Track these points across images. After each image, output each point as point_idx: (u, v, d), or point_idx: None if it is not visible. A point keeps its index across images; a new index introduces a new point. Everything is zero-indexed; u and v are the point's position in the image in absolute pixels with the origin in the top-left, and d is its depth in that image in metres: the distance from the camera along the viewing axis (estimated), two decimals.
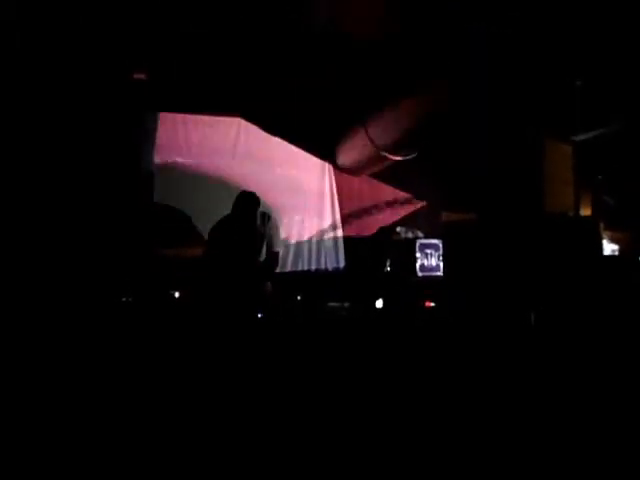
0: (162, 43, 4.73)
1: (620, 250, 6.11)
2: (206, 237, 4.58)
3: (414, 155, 5.37)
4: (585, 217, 6.16)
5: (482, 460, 2.08)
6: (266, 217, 4.40)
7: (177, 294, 4.39)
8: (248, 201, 4.25)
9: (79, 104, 4.56)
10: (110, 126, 4.67)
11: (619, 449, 2.13)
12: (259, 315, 4.08)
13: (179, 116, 5.52)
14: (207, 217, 5.22)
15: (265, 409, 2.62)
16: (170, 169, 5.35)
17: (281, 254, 4.66)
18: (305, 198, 6.08)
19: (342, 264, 6.14)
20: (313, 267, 5.97)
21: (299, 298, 5.00)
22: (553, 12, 3.30)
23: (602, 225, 5.77)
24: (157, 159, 5.29)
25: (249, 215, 4.27)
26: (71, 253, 4.12)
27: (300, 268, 5.89)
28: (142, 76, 5.09)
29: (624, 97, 4.99)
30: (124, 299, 4.15)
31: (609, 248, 6.06)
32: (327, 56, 4.52)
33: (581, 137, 6.01)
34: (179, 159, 5.47)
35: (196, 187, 5.46)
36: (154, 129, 5.37)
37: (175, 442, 2.21)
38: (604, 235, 5.87)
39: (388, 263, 5.58)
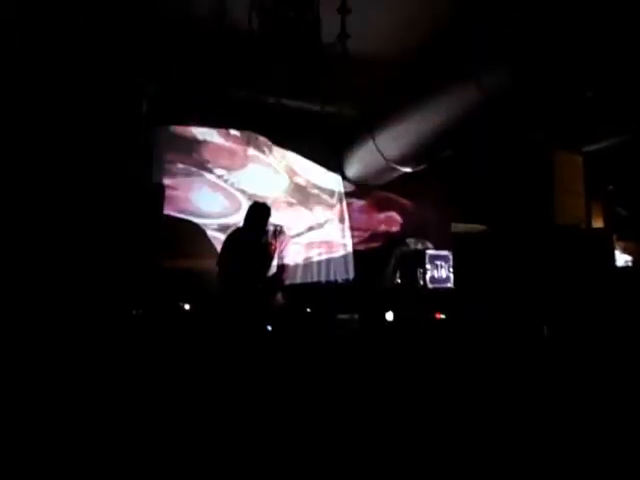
0: (173, 57, 4.80)
1: (634, 261, 6.04)
2: (217, 249, 4.60)
3: (424, 166, 5.37)
4: (597, 229, 6.11)
5: (497, 472, 2.05)
6: (278, 230, 4.41)
7: (187, 306, 4.39)
8: (259, 212, 4.27)
9: (89, 119, 4.60)
10: (120, 140, 4.71)
11: (631, 461, 2.09)
12: (268, 327, 4.06)
13: (189, 130, 5.57)
14: (218, 230, 5.27)
15: (276, 421, 2.60)
16: (181, 182, 5.38)
17: (291, 267, 4.66)
18: (315, 210, 6.09)
19: (352, 276, 6.12)
20: (323, 279, 5.96)
21: (309, 310, 4.97)
22: (563, 24, 3.30)
23: (615, 236, 5.71)
24: (167, 172, 5.33)
25: (260, 226, 4.27)
26: (80, 266, 4.14)
27: (309, 280, 5.88)
28: (152, 90, 5.15)
29: (634, 107, 4.97)
30: (134, 312, 4.15)
31: (622, 259, 5.98)
32: (336, 69, 4.55)
33: (591, 148, 5.98)
34: (190, 172, 5.50)
35: (207, 200, 5.49)
36: (165, 143, 5.42)
37: (184, 456, 2.20)
38: (617, 246, 5.81)
39: (398, 275, 5.56)
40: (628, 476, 2.00)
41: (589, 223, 6.19)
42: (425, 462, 2.18)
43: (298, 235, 5.84)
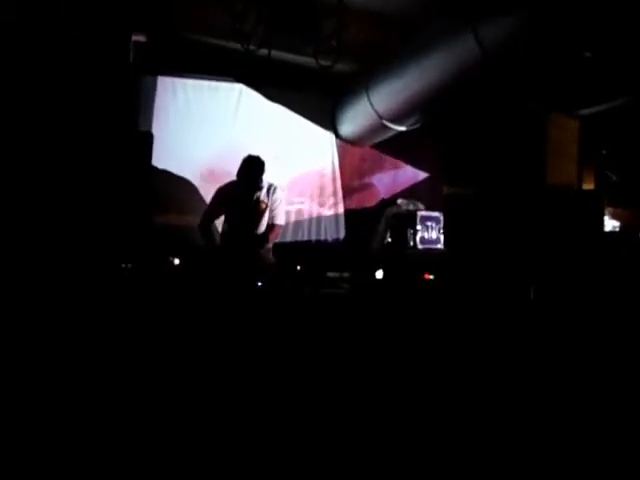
0: (161, 5, 4.61)
1: (621, 227, 6.09)
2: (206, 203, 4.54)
3: (417, 125, 5.28)
4: (588, 191, 6.12)
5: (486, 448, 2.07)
6: (272, 189, 4.36)
7: (177, 261, 4.37)
8: (253, 167, 4.21)
9: (76, 67, 4.44)
10: (108, 89, 4.55)
11: (617, 432, 2.12)
12: (258, 283, 4.07)
13: (178, 80, 5.41)
14: (207, 183, 5.19)
15: (265, 381, 2.61)
16: (169, 133, 5.25)
17: (282, 227, 4.64)
18: (307, 168, 6.01)
19: (342, 235, 6.11)
20: (313, 238, 5.95)
21: (299, 268, 4.98)
22: None
23: (604, 201, 5.74)
24: (156, 123, 5.21)
25: (254, 183, 4.22)
26: (67, 219, 4.07)
27: (300, 238, 5.87)
28: (141, 38, 4.96)
29: (633, 71, 4.89)
30: (123, 265, 4.12)
31: (610, 224, 6.04)
32: (332, 21, 4.40)
33: (588, 111, 5.92)
34: (179, 123, 5.37)
35: (196, 152, 5.38)
36: (153, 93, 5.27)
37: (171, 416, 2.20)
38: (606, 212, 5.84)
39: (388, 235, 5.56)
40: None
41: (580, 187, 6.20)
42: (412, 427, 2.20)
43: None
